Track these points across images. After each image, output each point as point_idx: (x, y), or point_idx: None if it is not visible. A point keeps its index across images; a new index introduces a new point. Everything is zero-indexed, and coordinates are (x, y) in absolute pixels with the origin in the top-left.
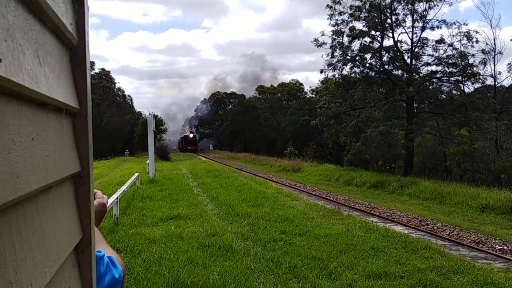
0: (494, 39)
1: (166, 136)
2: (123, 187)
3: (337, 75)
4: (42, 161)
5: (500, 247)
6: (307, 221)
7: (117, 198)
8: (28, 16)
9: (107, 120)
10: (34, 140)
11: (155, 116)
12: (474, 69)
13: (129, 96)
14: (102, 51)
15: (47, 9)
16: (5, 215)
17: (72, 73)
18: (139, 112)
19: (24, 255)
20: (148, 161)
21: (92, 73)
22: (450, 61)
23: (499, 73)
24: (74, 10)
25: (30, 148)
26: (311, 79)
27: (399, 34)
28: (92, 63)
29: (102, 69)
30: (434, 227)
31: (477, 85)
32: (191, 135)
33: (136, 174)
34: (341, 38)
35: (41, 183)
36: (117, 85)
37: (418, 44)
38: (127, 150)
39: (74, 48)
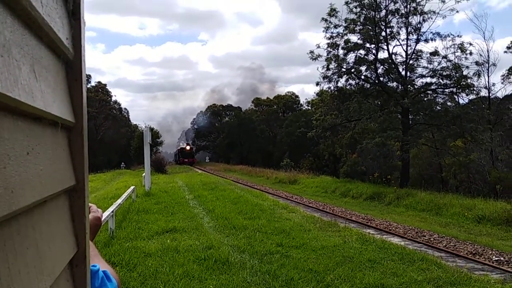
0: (488, 51)
1: (162, 148)
2: (119, 200)
3: (332, 87)
4: (37, 175)
5: (496, 258)
6: (304, 234)
7: (112, 211)
8: (25, 32)
9: (103, 133)
10: (29, 154)
11: (151, 129)
12: (468, 80)
13: (125, 109)
14: (98, 64)
15: (43, 24)
16: (0, 230)
17: (68, 87)
18: (135, 125)
19: (18, 270)
20: (144, 174)
21: (88, 86)
22: (444, 73)
23: (493, 84)
24: (70, 25)
25: (25, 163)
26: (307, 91)
27: (393, 47)
28: (89, 76)
29: (99, 82)
30: (431, 239)
31: (471, 97)
32: (188, 147)
33: (132, 187)
34: (336, 50)
35: (36, 198)
36: (113, 98)
37: (413, 56)
38: (123, 163)
39: (70, 62)
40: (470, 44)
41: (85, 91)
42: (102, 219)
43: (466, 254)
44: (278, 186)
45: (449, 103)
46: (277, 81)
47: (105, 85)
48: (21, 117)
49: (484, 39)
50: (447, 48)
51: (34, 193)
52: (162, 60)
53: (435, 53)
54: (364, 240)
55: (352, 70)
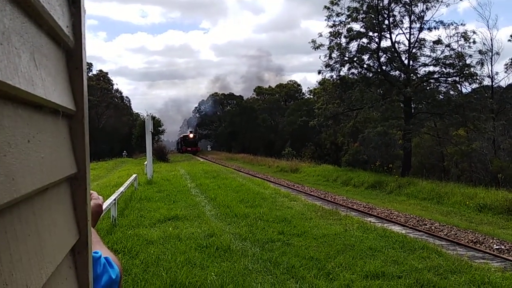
0: (491, 40)
1: (164, 137)
2: (121, 188)
3: (334, 76)
4: (38, 163)
5: (497, 247)
6: (305, 222)
7: (115, 199)
8: (24, 19)
9: (105, 122)
10: (30, 142)
11: (153, 118)
12: (472, 69)
13: (127, 97)
14: (100, 52)
15: (43, 12)
16: (1, 217)
17: (69, 75)
18: (137, 113)
19: (20, 257)
20: (146, 162)
21: (90, 74)
22: (447, 62)
23: (496, 73)
24: (70, 13)
25: (26, 150)
26: (309, 80)
27: (396, 35)
28: (90, 65)
29: (100, 70)
30: (432, 227)
31: (474, 86)
32: (191, 135)
33: (134, 175)
34: (338, 39)
35: (37, 185)
36: (115, 87)
37: (416, 45)
38: (125, 151)
39: (71, 51)
40: (474, 32)
41: (85, 79)
42: (104, 207)
43: (467, 242)
44: (279, 175)
45: (452, 92)
46: (280, 70)
47: (107, 73)
48: (22, 105)
49: (488, 27)
50: (450, 36)
51: (35, 180)
52: (164, 49)
53: (438, 41)
54: (365, 229)
55: (355, 59)
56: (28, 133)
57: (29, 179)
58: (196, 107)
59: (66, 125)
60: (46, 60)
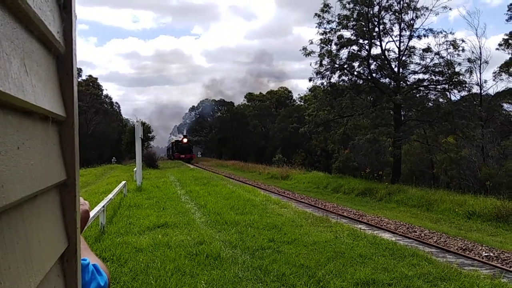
0: (480, 48)
1: (153, 143)
2: (110, 195)
3: (325, 83)
4: (28, 169)
5: (486, 254)
6: (296, 229)
7: (103, 206)
8: (15, 25)
9: (94, 127)
10: (19, 148)
11: (143, 124)
12: (460, 77)
13: (116, 103)
14: (90, 57)
15: (34, 18)
16: None
17: (59, 81)
18: (127, 119)
19: (8, 265)
20: (135, 169)
21: (79, 80)
22: (436, 70)
23: (485, 81)
24: (61, 18)
25: (15, 157)
26: (300, 87)
27: (386, 43)
28: (80, 70)
29: (90, 76)
30: (422, 234)
31: (463, 93)
32: (185, 140)
33: (123, 182)
34: (329, 46)
35: (26, 192)
36: (104, 92)
37: (406, 53)
38: (114, 157)
39: (61, 56)
40: (463, 41)
41: (76, 85)
42: (93, 214)
43: (456, 249)
44: (270, 182)
45: (441, 100)
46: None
47: (96, 78)
48: (12, 111)
49: (477, 36)
50: (439, 44)
51: (24, 187)
52: (155, 54)
53: (427, 49)
54: (355, 236)
55: (345, 66)
56: (18, 140)
57: (18, 186)
58: (186, 113)
59: (56, 132)
60: (37, 66)
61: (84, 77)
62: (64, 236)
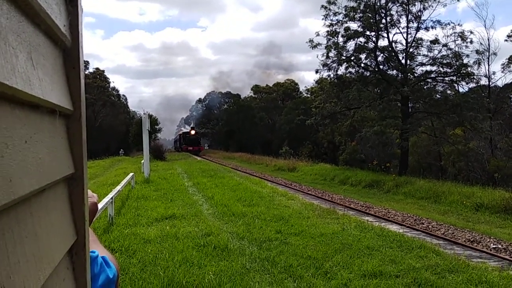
0: (488, 40)
1: (161, 135)
2: (118, 187)
3: (332, 75)
4: (36, 163)
5: (494, 246)
6: (303, 221)
7: (111, 198)
8: (21, 18)
9: (101, 120)
10: (27, 142)
11: (150, 116)
12: (469, 69)
13: (123, 95)
14: (97, 50)
15: (40, 11)
16: None
17: (66, 74)
18: (134, 111)
19: (17, 259)
20: (143, 161)
21: (86, 72)
22: (444, 61)
23: (493, 73)
24: (67, 12)
25: (23, 151)
26: (307, 79)
27: (393, 35)
28: (87, 63)
29: (97, 68)
30: (429, 226)
31: (471, 85)
32: (192, 132)
33: (131, 174)
34: (336, 38)
35: (34, 186)
36: (111, 85)
37: (413, 45)
38: (121, 149)
39: (68, 50)
40: (471, 32)
41: (83, 79)
42: (101, 205)
43: (464, 241)
44: (277, 174)
45: (449, 92)
46: (276, 68)
47: (103, 71)
48: (19, 105)
49: (485, 27)
50: (447, 36)
51: (32, 181)
52: (161, 46)
53: (435, 41)
54: (362, 228)
55: (352, 58)
56: (26, 134)
57: (26, 180)
58: (193, 106)
59: (64, 125)
60: (44, 59)
61: (91, 70)
62: (72, 229)
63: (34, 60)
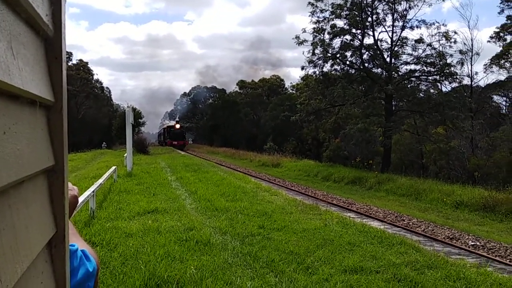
0: (472, 40)
1: (144, 129)
2: (100, 180)
3: (317, 72)
4: (14, 155)
5: (473, 243)
6: (286, 216)
7: (93, 191)
8: (2, 7)
9: (84, 112)
10: (5, 133)
11: (134, 109)
12: (452, 68)
13: (107, 88)
14: (81, 41)
15: (22, 0)
16: None
17: (47, 65)
18: (118, 104)
19: None
20: (125, 154)
21: (69, 64)
22: (428, 61)
23: (476, 73)
24: (50, 1)
25: (1, 142)
26: (293, 75)
27: (379, 33)
28: (70, 54)
29: (80, 60)
30: (410, 223)
31: (454, 85)
32: (177, 126)
33: (114, 167)
34: (322, 35)
35: (12, 178)
36: (95, 77)
37: (398, 43)
38: (104, 142)
39: (50, 40)
40: (455, 32)
41: (65, 70)
42: (83, 199)
43: (444, 238)
44: (261, 169)
45: (432, 91)
46: (262, 64)
47: (87, 63)
48: None
49: (469, 28)
50: (432, 35)
51: (10, 173)
52: (147, 39)
53: (420, 40)
54: (344, 224)
55: (338, 55)
56: (4, 124)
57: (4, 171)
58: (177, 100)
59: (44, 116)
60: (24, 49)
61: (74, 61)
62: (52, 222)
63: (14, 49)
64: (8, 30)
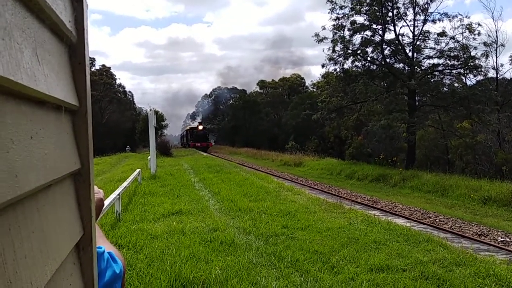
0: (496, 31)
1: (167, 131)
2: (125, 183)
3: (338, 69)
4: (41, 159)
5: (502, 239)
6: (309, 215)
7: (118, 194)
8: (26, 14)
9: (108, 116)
10: (33, 138)
11: (156, 112)
12: (476, 61)
13: (130, 92)
14: (103, 47)
15: (45, 7)
16: (4, 214)
17: (71, 70)
18: (140, 108)
19: (24, 254)
20: (149, 157)
21: (92, 69)
22: (452, 54)
23: (501, 65)
24: (72, 7)
25: (29, 147)
26: (313, 73)
27: (400, 28)
28: (93, 60)
29: (103, 65)
30: (436, 220)
31: (479, 78)
32: (200, 127)
33: (138, 170)
34: (342, 32)
35: (40, 182)
36: (118, 81)
37: (420, 37)
38: (128, 146)
39: (73, 46)
40: (479, 24)
41: (88, 75)
42: (108, 201)
43: (472, 235)
44: (283, 169)
45: (456, 84)
46: (284, 63)
47: (109, 68)
48: (24, 101)
49: (493, 19)
50: (455, 28)
51: (38, 177)
52: (167, 43)
53: (442, 33)
54: (369, 222)
55: (358, 52)
56: (31, 130)
57: (32, 175)
58: (199, 102)
59: (69, 121)
60: (49, 55)
61: (97, 67)
62: (79, 225)
63: (39, 56)
64: (33, 37)
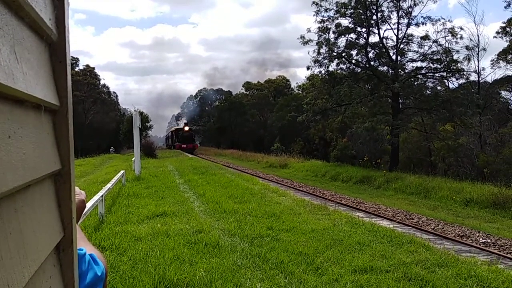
0: (478, 36)
1: (152, 133)
2: (109, 185)
3: (323, 72)
4: (20, 159)
5: (483, 240)
6: (294, 217)
7: (102, 196)
8: (4, 11)
9: (92, 117)
10: (11, 138)
11: (141, 113)
12: (459, 65)
13: (114, 92)
14: (88, 47)
15: (24, 4)
16: None
17: (52, 69)
18: (125, 108)
19: (0, 255)
20: (133, 159)
21: (76, 69)
22: (435, 57)
23: (483, 69)
24: (53, 5)
25: (6, 146)
26: (299, 75)
27: (384, 31)
28: (76, 59)
29: (87, 65)
30: (419, 221)
31: (461, 81)
32: (186, 128)
33: (122, 172)
34: (327, 34)
35: (18, 182)
36: (102, 82)
37: (404, 41)
38: (112, 147)
39: (54, 44)
40: (461, 28)
41: (69, 74)
42: (92, 203)
43: (454, 236)
44: (268, 170)
45: (439, 87)
46: (270, 64)
47: (93, 68)
48: (1, 99)
49: (475, 23)
50: (438, 32)
51: (16, 177)
52: (153, 43)
53: (425, 37)
54: (353, 223)
55: (343, 54)
56: (9, 129)
57: (10, 176)
58: (184, 103)
59: (50, 121)
60: (28, 53)
61: (81, 67)
62: (59, 226)
63: (17, 53)
64: (11, 34)
